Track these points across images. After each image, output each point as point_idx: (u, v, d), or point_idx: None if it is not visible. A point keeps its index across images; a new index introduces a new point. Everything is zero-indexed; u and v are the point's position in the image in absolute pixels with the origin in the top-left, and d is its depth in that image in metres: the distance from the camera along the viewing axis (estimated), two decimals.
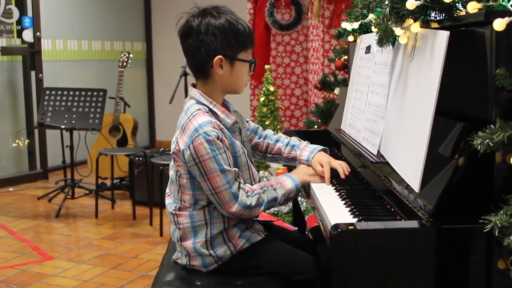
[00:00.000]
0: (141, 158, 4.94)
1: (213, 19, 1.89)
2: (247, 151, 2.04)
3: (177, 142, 1.91)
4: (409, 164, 1.66)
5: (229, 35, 1.89)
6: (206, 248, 1.93)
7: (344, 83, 3.90)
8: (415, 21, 1.67)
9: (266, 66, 4.82)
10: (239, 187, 1.89)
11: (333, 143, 2.70)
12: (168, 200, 2.03)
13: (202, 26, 1.89)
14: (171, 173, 2.00)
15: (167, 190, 2.07)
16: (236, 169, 1.90)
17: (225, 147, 1.87)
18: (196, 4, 1.96)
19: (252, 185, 2.01)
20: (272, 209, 3.85)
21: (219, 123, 1.90)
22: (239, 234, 1.96)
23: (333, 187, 2.05)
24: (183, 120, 1.93)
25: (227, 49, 1.90)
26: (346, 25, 2.61)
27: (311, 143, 2.88)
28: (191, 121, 1.89)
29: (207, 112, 1.92)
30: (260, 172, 4.45)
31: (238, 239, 1.95)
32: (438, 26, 1.64)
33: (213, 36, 1.88)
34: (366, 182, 2.09)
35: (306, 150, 2.20)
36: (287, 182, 2.01)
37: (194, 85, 2.02)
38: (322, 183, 2.08)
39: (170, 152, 1.99)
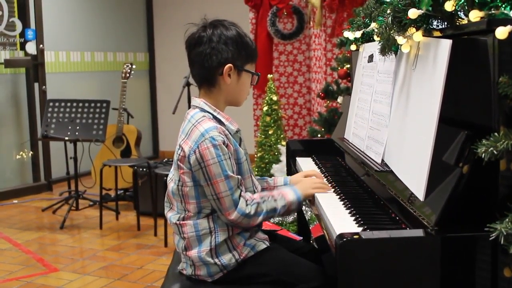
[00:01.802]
0: (144, 169, 4.95)
1: (225, 30, 1.96)
2: (248, 160, 2.06)
3: (181, 148, 1.93)
4: (413, 173, 1.66)
5: (239, 45, 1.97)
6: (211, 256, 1.94)
7: (347, 91, 3.91)
8: (417, 30, 1.67)
9: (269, 76, 4.83)
10: (240, 195, 1.91)
11: (336, 152, 2.71)
12: (170, 213, 2.04)
13: (215, 36, 1.95)
14: (171, 184, 2.00)
15: (166, 205, 2.07)
16: (239, 176, 1.92)
17: (229, 153, 1.90)
18: (205, 16, 2.02)
19: (254, 193, 2.02)
20: (277, 218, 3.86)
21: (224, 129, 1.93)
22: (243, 242, 1.96)
23: (338, 196, 2.05)
24: (187, 127, 1.96)
25: (237, 59, 1.97)
26: (348, 34, 2.62)
27: (314, 152, 2.90)
28: (197, 126, 1.91)
29: (211, 119, 1.95)
30: None
31: (243, 247, 1.96)
32: (441, 35, 1.64)
33: (225, 45, 1.95)
34: (370, 190, 2.09)
35: (279, 178, 2.28)
36: (289, 194, 2.02)
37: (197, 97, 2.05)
38: (325, 192, 2.09)
39: (174, 160, 2.00)
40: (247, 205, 1.91)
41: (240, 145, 2.02)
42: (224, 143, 1.88)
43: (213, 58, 1.95)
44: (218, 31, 1.95)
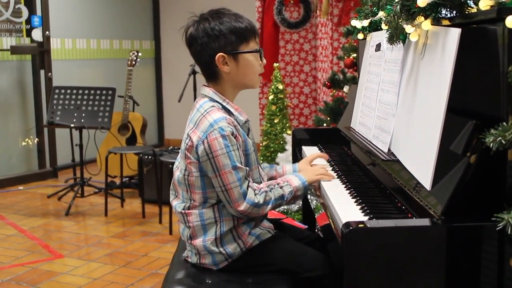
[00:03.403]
0: (150, 157, 4.95)
1: (207, 23, 1.95)
2: (255, 151, 2.05)
3: (189, 137, 1.93)
4: (420, 162, 1.65)
5: (225, 32, 1.94)
6: (216, 245, 1.94)
7: (353, 81, 3.89)
8: (426, 18, 1.66)
9: (275, 64, 4.81)
10: (248, 186, 1.90)
11: (342, 141, 2.70)
12: (175, 202, 2.04)
13: (200, 31, 1.96)
14: (177, 173, 2.00)
15: (172, 193, 2.07)
16: (247, 167, 1.91)
17: (238, 144, 1.90)
18: (194, 13, 2.02)
19: (260, 184, 2.02)
20: (282, 207, 3.86)
21: (233, 120, 1.92)
22: (248, 231, 1.96)
23: (344, 185, 2.05)
24: (196, 116, 1.95)
25: (227, 45, 1.95)
26: (356, 23, 2.61)
27: (320, 141, 2.89)
28: (206, 116, 1.91)
29: (220, 109, 1.94)
30: None
31: (248, 236, 1.96)
32: (449, 24, 1.63)
33: (209, 37, 1.94)
34: (376, 180, 2.09)
35: (287, 165, 2.30)
36: (294, 180, 2.01)
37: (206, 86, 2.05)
38: (329, 180, 2.09)
39: (181, 150, 2.00)
40: (255, 194, 1.90)
41: (248, 135, 2.02)
42: (232, 134, 1.88)
43: (204, 53, 1.96)
44: (201, 26, 1.95)
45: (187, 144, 1.93)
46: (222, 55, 1.94)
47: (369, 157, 2.19)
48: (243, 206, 1.88)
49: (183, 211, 1.99)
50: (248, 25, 1.98)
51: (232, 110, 1.97)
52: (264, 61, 2.05)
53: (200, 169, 1.91)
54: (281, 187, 1.97)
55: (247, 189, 1.89)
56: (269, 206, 1.94)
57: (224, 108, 1.96)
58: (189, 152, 1.92)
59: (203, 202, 1.95)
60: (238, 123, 1.95)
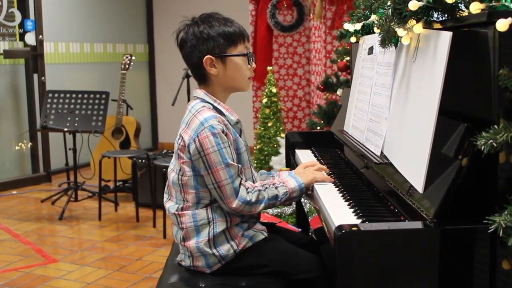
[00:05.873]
0: (144, 160, 4.95)
1: (197, 26, 2.00)
2: (248, 152, 2.07)
3: (181, 137, 1.95)
4: (412, 165, 1.66)
5: (213, 35, 1.98)
6: (209, 247, 1.94)
7: (347, 84, 3.91)
8: (417, 22, 1.67)
9: (269, 68, 4.82)
10: (240, 183, 1.92)
11: (336, 144, 2.71)
12: (169, 204, 2.05)
13: (189, 34, 2.00)
14: (173, 174, 2.02)
15: (166, 196, 2.09)
16: (239, 165, 1.94)
17: (229, 142, 1.92)
18: (186, 16, 2.06)
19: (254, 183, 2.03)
20: (276, 210, 3.87)
21: (224, 119, 1.95)
22: (241, 233, 1.97)
23: (337, 188, 2.05)
24: (187, 117, 1.99)
25: (215, 48, 1.98)
26: (349, 26, 2.61)
27: (314, 144, 2.90)
28: (196, 116, 1.94)
29: (211, 109, 1.98)
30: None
31: (241, 238, 1.97)
32: (441, 27, 1.64)
33: (198, 40, 1.99)
34: (369, 183, 2.09)
35: (284, 173, 2.29)
36: (290, 182, 2.03)
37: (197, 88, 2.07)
38: (326, 181, 2.10)
39: (174, 151, 2.02)
40: (247, 192, 1.92)
41: (240, 136, 2.03)
42: (223, 131, 1.90)
43: (193, 56, 2.00)
44: (191, 30, 2.00)
45: (179, 144, 1.96)
46: (209, 57, 1.97)
47: (362, 160, 2.20)
48: (235, 204, 1.90)
49: (176, 212, 2.00)
50: (237, 29, 2.01)
51: (223, 110, 2.00)
52: (254, 65, 2.07)
53: (193, 168, 1.94)
54: (276, 188, 1.99)
55: (239, 186, 1.92)
56: (262, 205, 1.96)
57: (215, 108, 1.99)
58: (182, 152, 1.95)
59: (196, 203, 1.96)
60: (229, 123, 1.98)
